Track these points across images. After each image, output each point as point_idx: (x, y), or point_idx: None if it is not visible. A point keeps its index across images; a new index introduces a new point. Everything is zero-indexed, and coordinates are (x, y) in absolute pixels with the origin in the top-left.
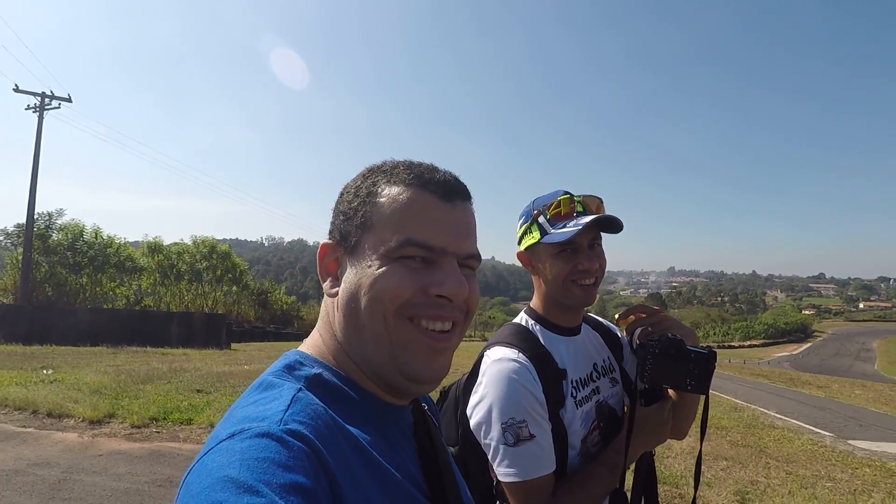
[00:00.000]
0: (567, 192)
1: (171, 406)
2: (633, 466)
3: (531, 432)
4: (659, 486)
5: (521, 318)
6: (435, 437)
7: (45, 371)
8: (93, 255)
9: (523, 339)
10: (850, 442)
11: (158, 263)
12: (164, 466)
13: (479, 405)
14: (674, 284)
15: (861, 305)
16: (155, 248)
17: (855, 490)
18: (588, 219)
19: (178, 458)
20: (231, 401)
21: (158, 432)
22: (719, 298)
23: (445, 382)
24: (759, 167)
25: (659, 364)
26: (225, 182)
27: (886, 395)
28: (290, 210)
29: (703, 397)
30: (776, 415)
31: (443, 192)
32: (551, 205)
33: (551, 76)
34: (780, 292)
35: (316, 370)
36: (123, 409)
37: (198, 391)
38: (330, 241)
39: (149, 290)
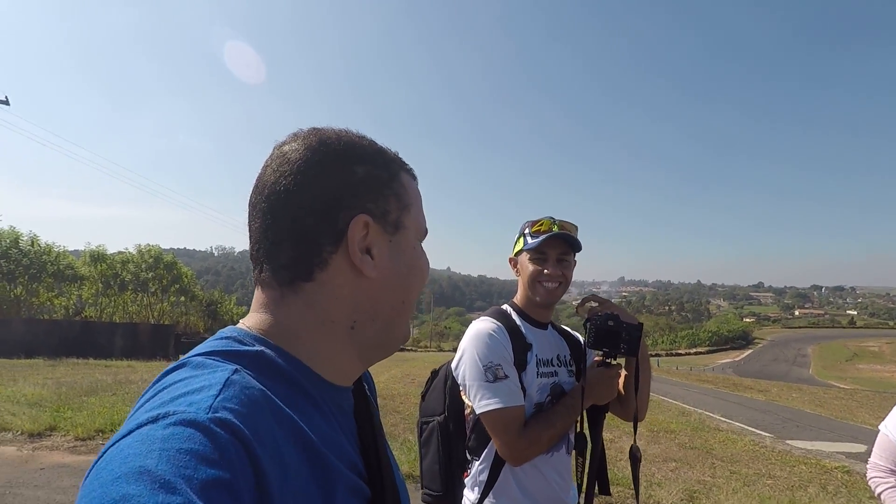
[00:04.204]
0: (551, 217)
1: (118, 418)
2: (588, 456)
3: (505, 373)
4: (612, 486)
5: (504, 306)
6: (374, 417)
7: None
8: (28, 264)
9: (501, 316)
10: (787, 442)
11: (101, 273)
12: None
13: (464, 357)
14: (624, 294)
15: (797, 313)
16: (97, 257)
17: (792, 486)
18: (550, 233)
19: None
20: None
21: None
22: (667, 308)
23: (435, 365)
24: (699, 180)
25: (600, 331)
26: (173, 189)
27: (820, 398)
28: (242, 219)
29: (636, 364)
30: (721, 418)
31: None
32: (535, 223)
33: (496, 90)
34: (724, 300)
35: (257, 348)
36: (66, 422)
37: None
38: (366, 215)
39: (90, 301)
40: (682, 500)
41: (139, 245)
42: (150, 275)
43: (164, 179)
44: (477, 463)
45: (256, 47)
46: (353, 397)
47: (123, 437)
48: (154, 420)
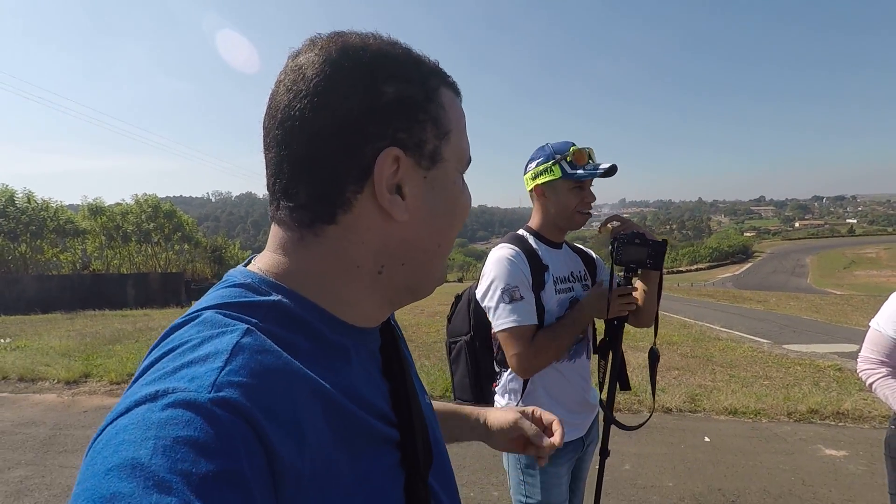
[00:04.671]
0: (585, 147)
1: None
2: (610, 360)
3: (521, 294)
4: (618, 393)
5: (520, 231)
6: (401, 351)
7: (2, 340)
8: (27, 221)
9: (518, 241)
10: (784, 346)
11: (102, 226)
12: None
13: (484, 279)
14: (625, 215)
15: (797, 224)
16: (96, 210)
17: (787, 384)
18: (606, 165)
19: None
20: None
21: None
22: (668, 227)
23: (459, 290)
24: (699, 90)
25: (628, 248)
26: (166, 137)
27: (817, 304)
28: (236, 163)
29: (659, 277)
30: (721, 328)
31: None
32: (570, 152)
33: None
34: (725, 217)
35: (273, 297)
36: (99, 369)
37: None
38: (397, 148)
39: (95, 254)
40: (684, 402)
41: (136, 195)
42: (151, 225)
43: (153, 126)
44: (506, 374)
45: None
46: (380, 336)
47: (121, 414)
48: (153, 398)
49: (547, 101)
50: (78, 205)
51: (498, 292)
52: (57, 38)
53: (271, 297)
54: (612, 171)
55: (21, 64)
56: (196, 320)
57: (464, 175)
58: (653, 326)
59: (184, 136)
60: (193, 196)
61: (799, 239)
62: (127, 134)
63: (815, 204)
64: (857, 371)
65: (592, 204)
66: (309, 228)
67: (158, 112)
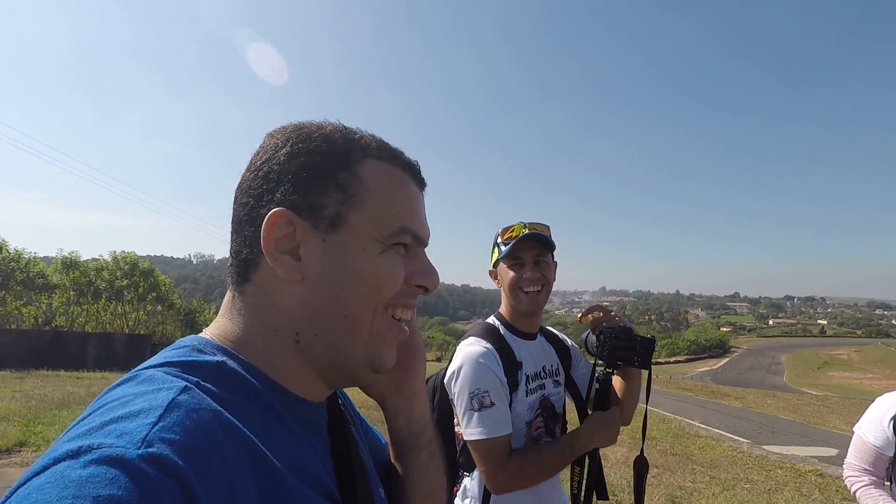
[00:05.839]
0: (521, 222)
1: None
2: (586, 466)
3: (492, 400)
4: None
5: (491, 320)
6: (350, 433)
7: None
8: None
9: (490, 334)
10: (764, 447)
11: (74, 280)
12: None
13: (454, 381)
14: (605, 304)
15: (771, 322)
16: (70, 264)
17: (769, 489)
18: (519, 237)
19: None
20: None
21: None
22: (647, 317)
23: (437, 368)
24: (673, 197)
25: (614, 345)
26: (152, 194)
27: (794, 405)
28: (221, 225)
29: (645, 376)
30: (700, 425)
31: (417, 178)
32: (504, 230)
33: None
34: (701, 310)
35: (218, 357)
36: (37, 437)
37: None
38: (287, 210)
39: (61, 310)
40: None
41: (114, 252)
42: (125, 282)
43: (143, 184)
44: (468, 479)
45: (236, 49)
46: (327, 412)
47: (36, 474)
48: (74, 455)
49: (538, 184)
50: (53, 257)
51: (465, 397)
52: (53, 89)
53: (215, 358)
54: (532, 236)
55: (12, 110)
56: (136, 379)
57: (415, 248)
58: (639, 423)
59: (169, 194)
60: (175, 256)
61: (773, 336)
62: (113, 189)
63: (788, 303)
64: (844, 478)
65: (574, 291)
66: (236, 287)
67: (146, 170)
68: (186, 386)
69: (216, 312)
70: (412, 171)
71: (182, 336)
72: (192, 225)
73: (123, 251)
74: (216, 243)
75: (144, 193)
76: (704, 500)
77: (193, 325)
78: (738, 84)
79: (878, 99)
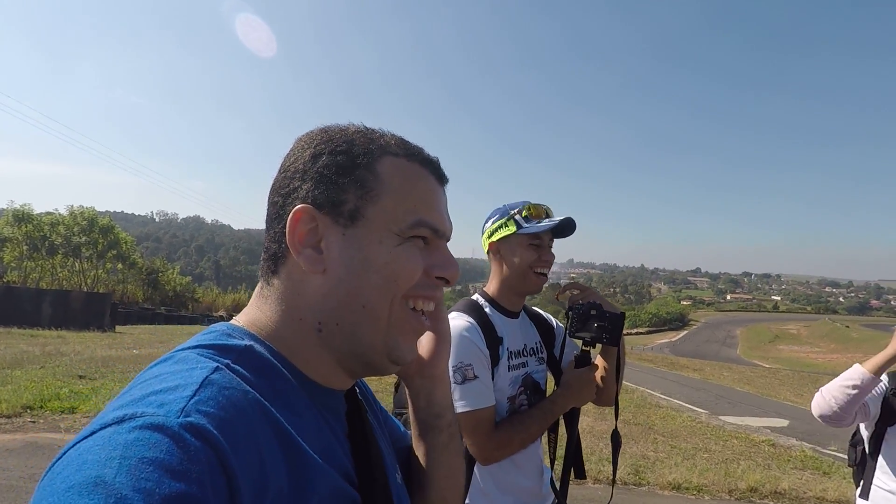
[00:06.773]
0: (541, 204)
1: (48, 393)
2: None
3: (475, 373)
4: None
5: (475, 297)
6: (367, 419)
7: None
8: None
9: (473, 310)
10: (720, 417)
11: (27, 234)
12: (42, 459)
13: None
14: (572, 275)
15: (728, 297)
16: (22, 217)
17: (726, 459)
18: (559, 218)
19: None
20: (122, 388)
21: (34, 422)
22: (612, 289)
23: None
24: (644, 169)
25: (583, 320)
26: (114, 149)
27: (748, 377)
28: (186, 183)
29: (619, 352)
30: (661, 395)
31: (438, 173)
32: (525, 207)
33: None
34: (664, 284)
35: (246, 342)
36: None
37: (80, 377)
38: (309, 206)
39: (13, 265)
40: (629, 474)
41: (71, 206)
42: (83, 239)
43: (101, 136)
44: None
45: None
46: (346, 401)
47: (85, 437)
48: (119, 421)
49: (513, 157)
50: (3, 209)
51: (449, 370)
52: (13, 36)
53: (244, 342)
54: (568, 226)
55: None
56: (171, 359)
57: (436, 241)
58: (608, 406)
59: (130, 148)
60: (136, 213)
61: (730, 311)
62: (72, 141)
63: (745, 279)
64: (822, 397)
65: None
66: (265, 279)
67: (104, 121)
68: (218, 366)
69: (180, 272)
70: (432, 167)
71: (143, 295)
72: (154, 181)
73: (81, 206)
74: (180, 201)
75: (103, 146)
76: (667, 470)
77: (156, 284)
78: (711, 51)
79: (833, 70)
